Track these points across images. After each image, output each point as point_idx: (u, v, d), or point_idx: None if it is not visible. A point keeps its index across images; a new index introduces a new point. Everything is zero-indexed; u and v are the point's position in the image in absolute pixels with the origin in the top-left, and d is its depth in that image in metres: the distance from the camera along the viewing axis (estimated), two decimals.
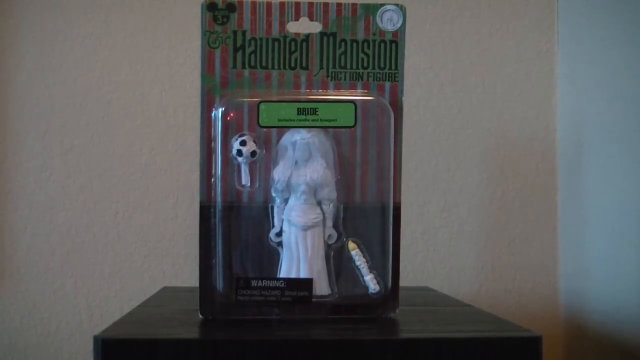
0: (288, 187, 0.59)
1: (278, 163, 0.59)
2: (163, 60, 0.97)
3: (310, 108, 0.58)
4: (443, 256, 0.98)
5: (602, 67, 0.89)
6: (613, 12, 0.87)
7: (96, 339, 0.51)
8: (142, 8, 0.97)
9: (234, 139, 0.59)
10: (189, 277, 0.95)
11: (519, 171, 0.99)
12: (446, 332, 0.54)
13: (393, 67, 0.60)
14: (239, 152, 0.58)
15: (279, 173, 0.59)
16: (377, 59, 0.60)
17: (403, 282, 0.97)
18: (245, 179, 0.59)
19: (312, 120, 0.59)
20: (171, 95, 0.97)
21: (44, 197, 0.95)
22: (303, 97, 0.59)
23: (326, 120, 0.59)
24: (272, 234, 0.60)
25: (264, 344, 0.51)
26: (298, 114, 0.59)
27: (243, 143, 0.58)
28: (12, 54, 0.96)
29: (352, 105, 0.59)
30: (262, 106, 0.58)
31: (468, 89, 0.99)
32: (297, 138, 0.59)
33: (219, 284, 0.59)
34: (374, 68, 0.60)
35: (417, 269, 0.97)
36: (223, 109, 0.59)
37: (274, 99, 0.59)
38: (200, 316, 0.59)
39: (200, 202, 0.60)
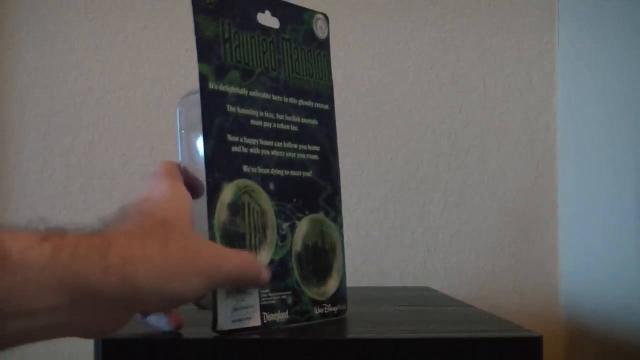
0: None
1: None
2: (163, 60, 0.97)
3: None
4: (443, 256, 0.98)
5: (602, 67, 0.89)
6: (613, 12, 0.87)
7: (96, 339, 0.51)
8: (142, 8, 0.97)
9: None
10: None
11: (519, 171, 0.99)
12: (446, 332, 0.54)
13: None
14: None
15: None
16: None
17: (403, 282, 0.98)
18: None
19: None
20: (171, 95, 0.97)
21: (44, 197, 0.95)
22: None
23: None
24: None
25: (265, 344, 0.50)
26: None
27: None
28: (12, 54, 0.96)
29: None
30: None
31: (468, 89, 0.99)
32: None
33: None
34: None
35: (417, 269, 0.97)
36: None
37: None
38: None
39: None
